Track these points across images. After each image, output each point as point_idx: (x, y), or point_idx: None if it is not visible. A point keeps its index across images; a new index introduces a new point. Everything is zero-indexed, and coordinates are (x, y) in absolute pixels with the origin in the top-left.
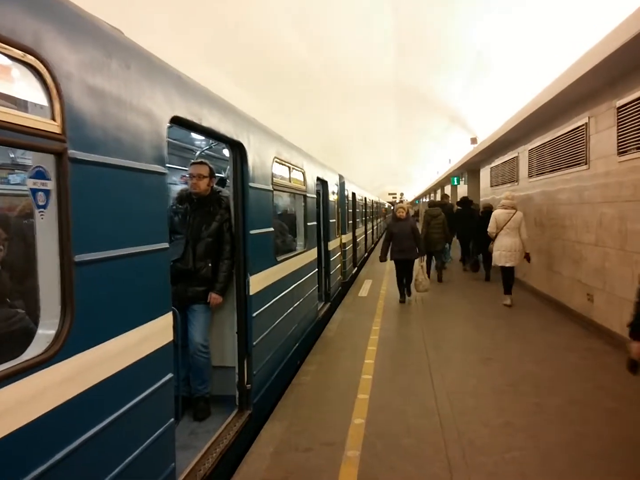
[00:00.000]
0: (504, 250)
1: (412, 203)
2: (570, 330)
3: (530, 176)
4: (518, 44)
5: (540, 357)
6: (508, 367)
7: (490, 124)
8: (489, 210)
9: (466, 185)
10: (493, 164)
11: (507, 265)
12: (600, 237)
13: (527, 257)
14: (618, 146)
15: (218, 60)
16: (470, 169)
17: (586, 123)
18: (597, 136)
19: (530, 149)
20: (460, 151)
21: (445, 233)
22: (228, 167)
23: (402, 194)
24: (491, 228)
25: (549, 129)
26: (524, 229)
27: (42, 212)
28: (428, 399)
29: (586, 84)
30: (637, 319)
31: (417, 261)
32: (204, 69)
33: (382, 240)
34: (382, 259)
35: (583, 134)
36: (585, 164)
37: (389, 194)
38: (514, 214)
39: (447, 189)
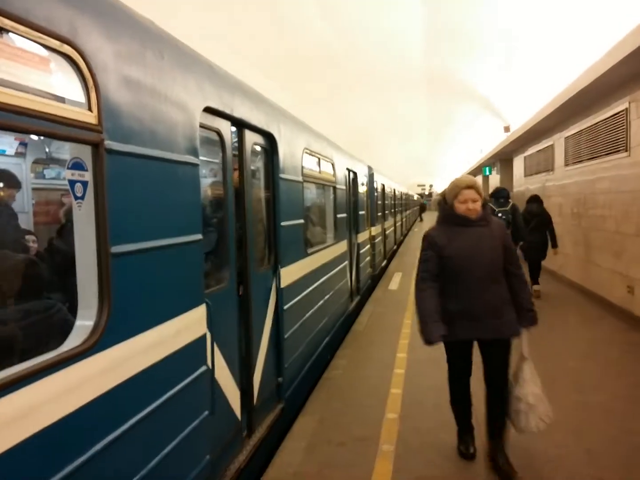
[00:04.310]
0: None
1: (442, 195)
2: (610, 324)
3: (566, 165)
4: (554, 26)
5: (581, 352)
6: (546, 363)
7: (525, 112)
8: None
9: (498, 175)
10: (527, 153)
11: None
12: None
13: None
14: None
15: (244, 50)
16: (502, 159)
17: (627, 108)
18: (638, 122)
19: (566, 136)
20: (492, 140)
21: None
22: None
23: (431, 186)
24: None
25: (586, 115)
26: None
27: (80, 203)
28: None
29: (627, 67)
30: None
31: (521, 345)
32: (230, 59)
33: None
34: (429, 330)
35: (623, 120)
36: (626, 150)
37: (418, 185)
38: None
39: (479, 180)
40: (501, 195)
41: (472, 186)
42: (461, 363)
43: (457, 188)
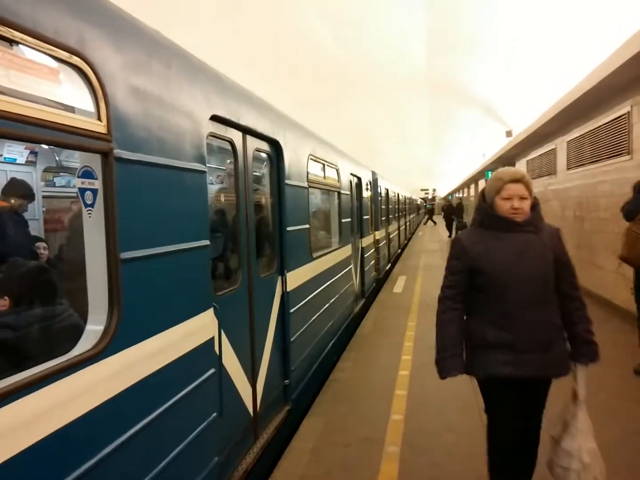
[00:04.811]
0: None
1: (445, 199)
2: (614, 326)
3: (569, 168)
4: (556, 29)
5: None
6: None
7: (527, 115)
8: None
9: None
10: (529, 157)
11: None
12: None
13: None
14: None
15: (246, 57)
16: (505, 163)
17: (628, 112)
18: None
19: (568, 140)
20: (494, 144)
21: None
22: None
23: (434, 190)
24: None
25: (588, 119)
26: None
27: (90, 210)
28: (468, 395)
29: (629, 71)
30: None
31: (575, 385)
32: (230, 65)
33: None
34: (443, 365)
35: (625, 123)
36: (628, 154)
37: (421, 189)
38: None
39: (482, 184)
40: None
41: (519, 179)
42: (507, 411)
43: (499, 181)
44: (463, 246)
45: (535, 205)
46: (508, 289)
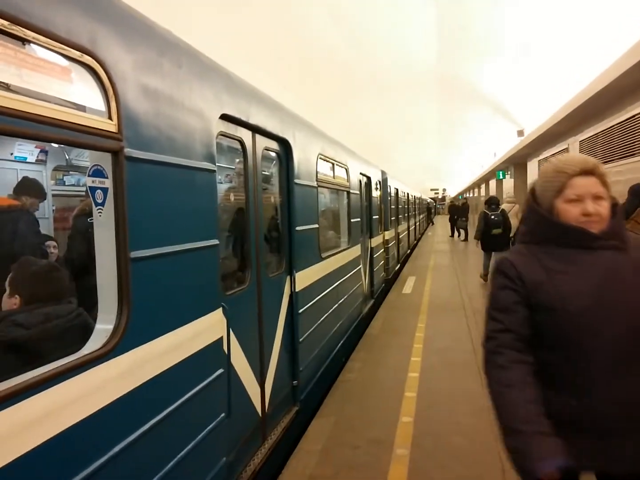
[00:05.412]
0: None
1: (455, 199)
2: None
3: None
4: (567, 27)
5: None
6: None
7: (539, 115)
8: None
9: (512, 180)
10: (541, 157)
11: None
12: None
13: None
14: None
15: (254, 54)
16: (516, 163)
17: None
18: None
19: (581, 140)
20: (505, 144)
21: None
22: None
23: (444, 190)
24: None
25: (601, 119)
26: (518, 215)
27: (100, 209)
28: (478, 398)
29: None
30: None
31: None
32: (241, 66)
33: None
34: (530, 450)
35: (639, 123)
36: None
37: (431, 189)
38: (514, 206)
39: (492, 184)
40: (493, 202)
41: (591, 171)
42: None
43: (562, 175)
44: (517, 272)
45: (614, 206)
46: (587, 337)
